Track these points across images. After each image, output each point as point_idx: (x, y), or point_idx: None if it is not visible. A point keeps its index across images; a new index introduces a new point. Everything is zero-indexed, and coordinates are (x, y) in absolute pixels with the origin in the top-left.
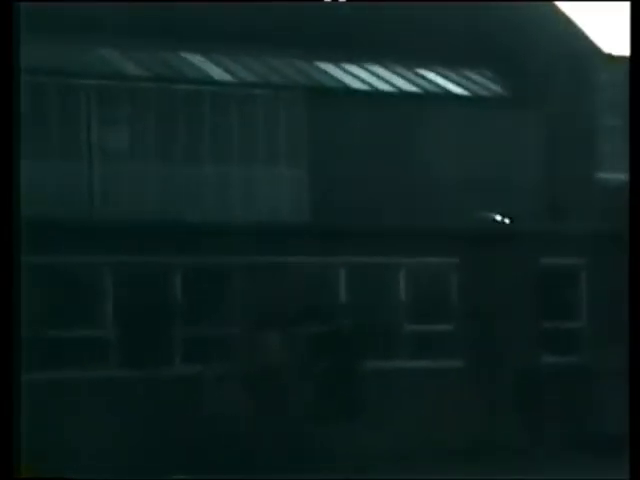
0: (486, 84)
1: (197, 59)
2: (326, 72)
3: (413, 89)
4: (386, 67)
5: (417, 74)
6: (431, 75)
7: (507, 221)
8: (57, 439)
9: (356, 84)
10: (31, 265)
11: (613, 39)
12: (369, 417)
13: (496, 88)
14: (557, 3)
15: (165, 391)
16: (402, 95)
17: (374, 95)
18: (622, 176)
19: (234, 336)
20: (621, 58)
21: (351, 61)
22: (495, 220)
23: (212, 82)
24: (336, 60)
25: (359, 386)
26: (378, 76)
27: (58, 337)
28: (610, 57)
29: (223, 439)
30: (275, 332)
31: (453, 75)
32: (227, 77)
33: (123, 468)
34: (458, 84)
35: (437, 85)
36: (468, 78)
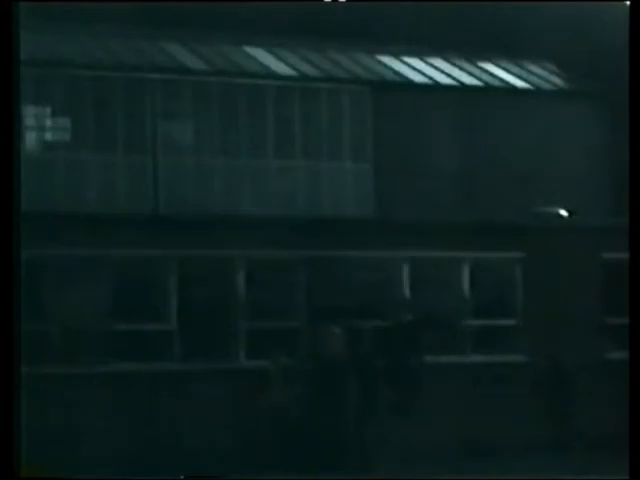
0: (548, 77)
1: (260, 53)
2: (389, 66)
3: (475, 82)
4: (448, 60)
5: (479, 67)
6: (493, 68)
7: (571, 215)
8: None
9: (419, 77)
10: (97, 258)
11: None
12: (430, 411)
13: (558, 81)
14: None
15: (229, 385)
16: (465, 88)
17: (437, 88)
18: None
19: (298, 330)
20: None
21: (413, 54)
22: (559, 214)
23: (275, 76)
24: (398, 54)
25: (420, 381)
26: (440, 69)
27: (124, 330)
28: None
29: (286, 433)
30: (338, 326)
31: (515, 68)
32: (290, 71)
33: (193, 465)
34: (520, 77)
35: (499, 78)
36: (530, 71)
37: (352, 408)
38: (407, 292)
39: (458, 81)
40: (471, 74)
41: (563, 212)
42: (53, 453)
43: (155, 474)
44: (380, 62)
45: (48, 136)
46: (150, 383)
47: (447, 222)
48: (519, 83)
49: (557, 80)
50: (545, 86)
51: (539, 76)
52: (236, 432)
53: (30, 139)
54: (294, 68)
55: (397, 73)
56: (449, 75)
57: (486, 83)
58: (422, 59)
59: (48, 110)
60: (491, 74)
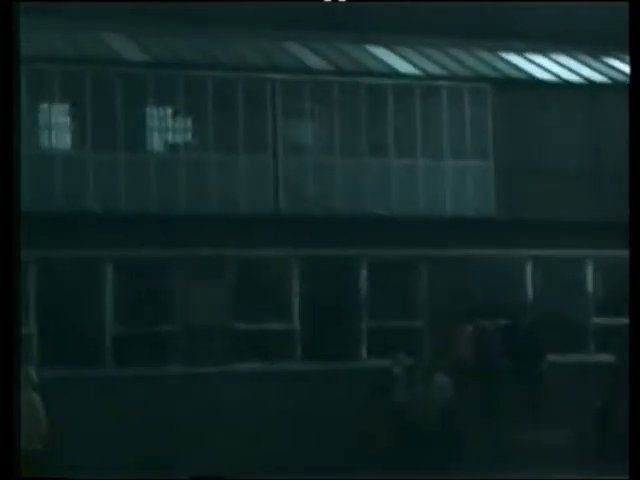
0: None
1: (381, 52)
2: (510, 62)
3: (601, 79)
4: (571, 56)
5: (604, 63)
6: (618, 63)
7: None
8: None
9: (543, 74)
10: (220, 258)
11: None
12: (553, 411)
13: None
14: None
15: (351, 384)
16: (590, 85)
17: (561, 85)
18: None
19: (420, 329)
20: None
21: (536, 51)
22: None
23: (396, 75)
24: (520, 50)
25: (544, 380)
26: (564, 65)
27: (246, 330)
28: None
29: (411, 433)
30: (462, 325)
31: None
32: (411, 69)
33: (315, 467)
34: None
35: (625, 74)
36: None
37: (476, 408)
38: (530, 291)
39: (583, 77)
40: (595, 69)
41: None
42: (177, 450)
43: (280, 472)
44: (502, 59)
45: (170, 137)
46: (272, 382)
47: (570, 220)
48: None
49: None
50: None
51: None
52: (357, 431)
53: (153, 140)
54: (415, 66)
55: (519, 70)
56: (573, 71)
57: (612, 79)
58: (546, 55)
59: (170, 111)
60: (617, 70)
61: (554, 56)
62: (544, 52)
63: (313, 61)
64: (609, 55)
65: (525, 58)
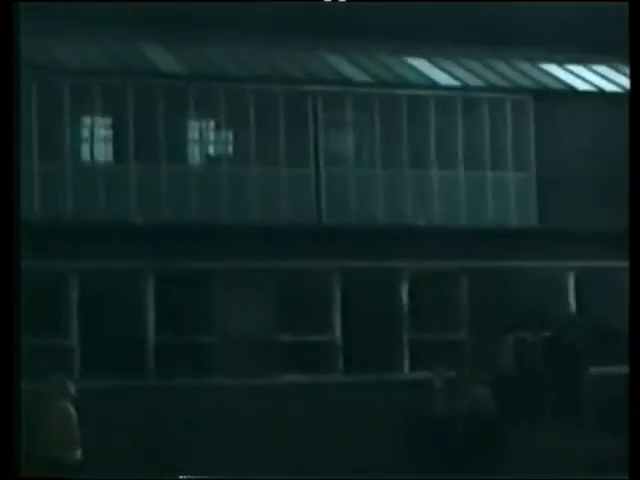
0: None
1: (420, 64)
2: (550, 73)
3: None
4: (612, 67)
5: None
6: None
7: None
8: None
9: (582, 85)
10: (262, 270)
11: None
12: (595, 423)
13: None
14: None
15: (392, 397)
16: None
17: (601, 96)
18: None
19: (462, 341)
20: None
21: (575, 62)
22: None
23: (437, 87)
24: (560, 61)
25: (586, 392)
26: (604, 75)
27: (288, 342)
28: None
29: (452, 445)
30: (503, 337)
31: None
32: (452, 81)
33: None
34: None
35: None
36: None
37: (517, 420)
38: (573, 302)
39: (621, 87)
40: None
41: None
42: (218, 461)
43: None
44: (541, 70)
45: (212, 150)
46: (313, 395)
47: (612, 230)
48: None
49: None
50: None
51: None
52: (399, 444)
53: (194, 153)
54: (455, 78)
55: (559, 81)
56: (613, 81)
57: None
58: (586, 66)
59: (212, 124)
60: None
61: (594, 67)
62: (584, 62)
63: (353, 73)
64: None
65: (565, 69)
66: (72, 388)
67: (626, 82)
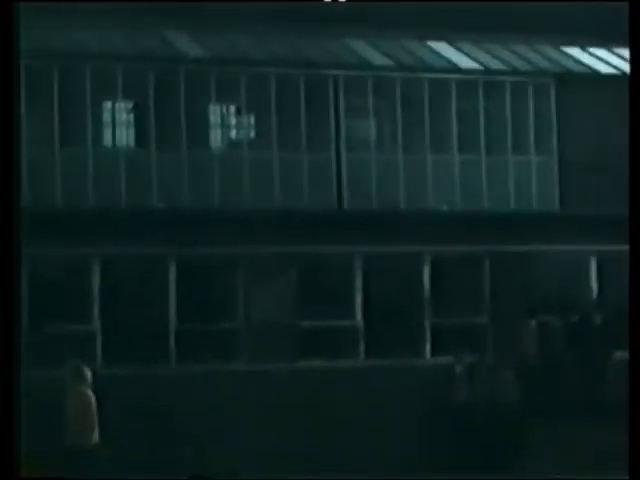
0: None
1: (442, 47)
2: (573, 57)
3: None
4: None
5: None
6: None
7: None
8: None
9: (605, 69)
10: (284, 255)
11: None
12: (618, 410)
13: None
14: None
15: (414, 382)
16: None
17: (624, 79)
18: None
19: (484, 326)
20: None
21: (599, 45)
22: None
23: (459, 70)
24: (582, 44)
25: (609, 378)
26: (627, 59)
27: (310, 327)
28: None
29: (473, 431)
30: (526, 322)
31: None
32: (474, 65)
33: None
34: None
35: None
36: None
37: (540, 405)
38: (595, 287)
39: None
40: None
41: None
42: (240, 447)
43: (333, 473)
44: (564, 53)
45: (233, 134)
46: (335, 380)
47: None
48: None
49: None
50: None
51: None
52: (420, 429)
53: (216, 138)
54: (477, 62)
55: (582, 64)
56: None
57: None
58: (609, 49)
59: (233, 108)
60: None
61: (617, 50)
62: (607, 46)
63: (374, 57)
64: None
65: (587, 52)
66: (89, 373)
67: None
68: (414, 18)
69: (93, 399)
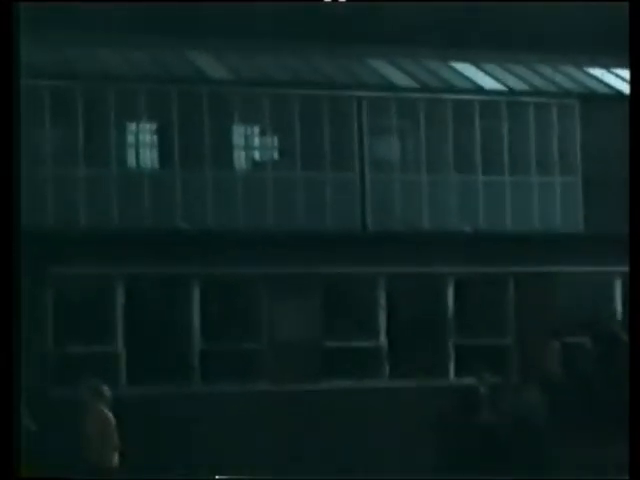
0: None
1: (466, 68)
2: (596, 77)
3: None
4: None
5: None
6: None
7: None
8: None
9: (629, 89)
10: (307, 276)
11: None
12: None
13: None
14: None
15: (438, 402)
16: None
17: None
18: None
19: (509, 346)
20: None
21: (622, 65)
22: None
23: (482, 91)
24: (607, 65)
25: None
26: None
27: (333, 347)
28: None
29: (498, 451)
30: (550, 342)
31: None
32: (496, 85)
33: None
34: None
35: None
36: None
37: (565, 425)
38: (620, 307)
39: None
40: None
41: None
42: (264, 467)
43: None
44: (588, 74)
45: (257, 155)
46: (359, 400)
47: None
48: None
49: None
50: None
51: None
52: (444, 450)
53: (239, 158)
54: (500, 82)
55: (606, 85)
56: None
57: None
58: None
59: (256, 129)
60: None
61: None
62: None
63: (398, 78)
64: None
65: (611, 72)
66: (109, 393)
67: None
68: (438, 39)
69: (112, 419)
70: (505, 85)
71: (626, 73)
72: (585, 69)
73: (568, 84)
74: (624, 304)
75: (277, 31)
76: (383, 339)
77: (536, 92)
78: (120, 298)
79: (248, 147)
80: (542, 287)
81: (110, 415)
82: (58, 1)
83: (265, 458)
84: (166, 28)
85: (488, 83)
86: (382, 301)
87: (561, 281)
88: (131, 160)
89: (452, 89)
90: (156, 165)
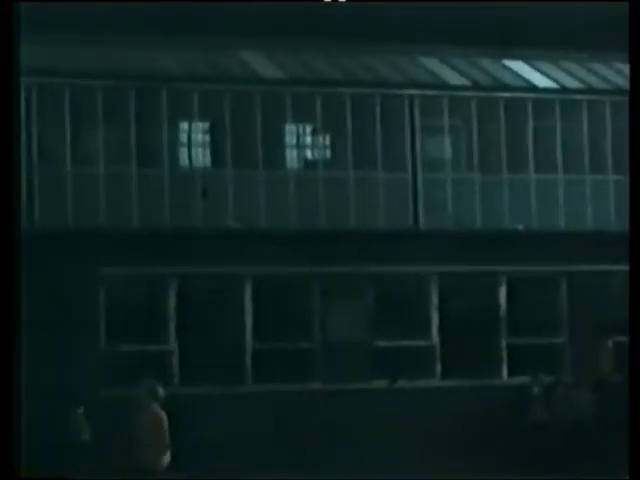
0: None
1: (519, 66)
2: None
3: None
4: None
5: None
6: None
7: None
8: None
9: None
10: (356, 275)
11: None
12: None
13: None
14: None
15: (490, 401)
16: None
17: None
18: None
19: (561, 345)
20: None
21: None
22: None
23: (535, 89)
24: None
25: None
26: None
27: (385, 347)
28: None
29: (551, 450)
30: (604, 342)
31: None
32: (550, 83)
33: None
34: None
35: None
36: None
37: (618, 424)
38: None
39: None
40: None
41: None
42: (318, 467)
43: None
44: None
45: (309, 154)
46: (411, 399)
47: None
48: None
49: None
50: None
51: None
52: (497, 450)
53: (291, 157)
54: (553, 80)
55: None
56: None
57: None
58: None
59: (308, 128)
60: None
61: None
62: None
63: (450, 76)
64: None
65: None
66: (162, 392)
67: None
68: (487, 35)
69: (165, 419)
70: (558, 83)
71: None
72: None
73: (621, 81)
74: None
75: (328, 30)
76: (435, 338)
77: (589, 89)
78: (172, 298)
79: (300, 146)
80: (595, 286)
81: (164, 415)
82: (61, 1)
83: (318, 456)
84: (218, 28)
85: (541, 81)
86: (434, 300)
87: (614, 280)
88: (183, 160)
89: (504, 87)
90: (208, 164)
